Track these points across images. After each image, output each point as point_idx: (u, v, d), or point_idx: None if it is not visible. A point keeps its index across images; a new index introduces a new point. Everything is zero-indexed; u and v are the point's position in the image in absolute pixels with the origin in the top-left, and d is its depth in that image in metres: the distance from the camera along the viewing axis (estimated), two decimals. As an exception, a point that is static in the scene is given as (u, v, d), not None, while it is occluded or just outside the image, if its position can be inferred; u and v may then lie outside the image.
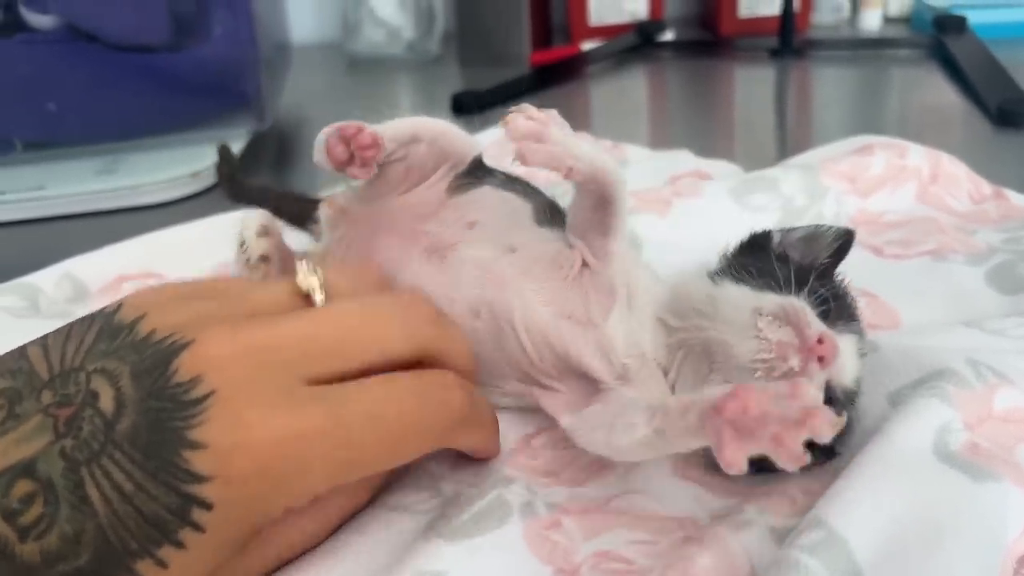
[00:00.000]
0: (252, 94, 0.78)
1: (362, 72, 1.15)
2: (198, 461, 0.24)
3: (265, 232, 0.41)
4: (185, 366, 0.25)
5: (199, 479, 0.24)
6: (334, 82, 1.14)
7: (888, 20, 1.17)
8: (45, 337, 0.27)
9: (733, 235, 0.43)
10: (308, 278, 0.30)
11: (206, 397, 0.25)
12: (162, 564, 0.24)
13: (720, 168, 0.60)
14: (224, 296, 0.29)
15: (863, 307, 0.41)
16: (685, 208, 0.50)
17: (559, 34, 1.19)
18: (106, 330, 0.27)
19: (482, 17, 1.09)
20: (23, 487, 0.23)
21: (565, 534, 0.31)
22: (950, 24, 1.01)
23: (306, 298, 0.30)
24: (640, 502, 0.32)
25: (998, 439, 0.31)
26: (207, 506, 0.24)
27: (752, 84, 1.02)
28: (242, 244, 0.41)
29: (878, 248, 0.48)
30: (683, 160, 0.62)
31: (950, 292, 0.43)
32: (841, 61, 1.04)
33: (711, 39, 1.16)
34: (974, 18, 1.01)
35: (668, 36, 1.13)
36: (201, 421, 0.24)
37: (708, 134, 0.85)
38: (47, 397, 0.25)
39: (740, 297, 0.33)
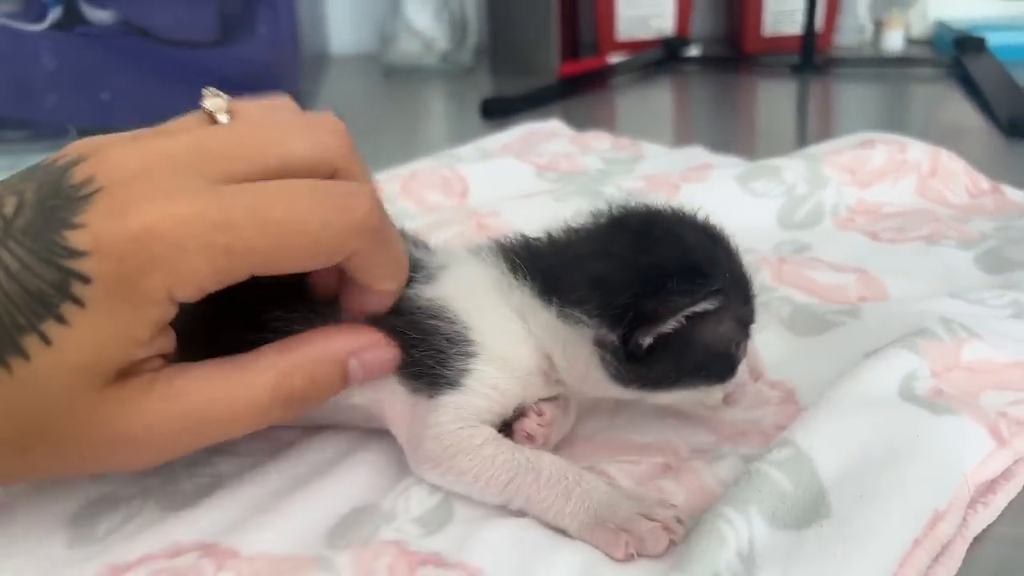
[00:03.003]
0: (288, 89, 0.82)
1: (397, 81, 1.20)
2: (76, 238, 0.26)
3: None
4: (81, 171, 0.27)
5: (77, 254, 0.26)
6: (370, 89, 1.19)
7: (911, 41, 1.19)
8: None
9: (736, 217, 0.46)
10: (213, 100, 0.31)
11: (93, 193, 0.27)
12: (45, 340, 0.26)
13: (731, 162, 0.63)
14: (146, 130, 0.30)
15: (853, 282, 0.44)
16: (692, 191, 0.53)
17: (588, 48, 1.23)
18: (35, 167, 0.29)
19: (513, 30, 1.13)
20: None
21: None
22: (969, 45, 1.03)
23: (213, 119, 0.30)
24: (623, 435, 0.35)
25: (963, 386, 0.34)
26: (85, 279, 0.26)
27: (773, 98, 1.05)
28: None
29: (875, 234, 0.51)
30: (696, 155, 0.65)
31: (939, 271, 0.46)
32: (862, 78, 1.07)
33: (734, 55, 1.19)
34: (993, 39, 1.03)
35: (693, 52, 1.16)
36: (84, 208, 0.26)
37: (729, 143, 0.88)
38: None
39: None
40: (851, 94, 1.04)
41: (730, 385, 0.33)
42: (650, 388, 0.32)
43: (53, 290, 0.26)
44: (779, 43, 1.14)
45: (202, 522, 0.31)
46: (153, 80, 0.79)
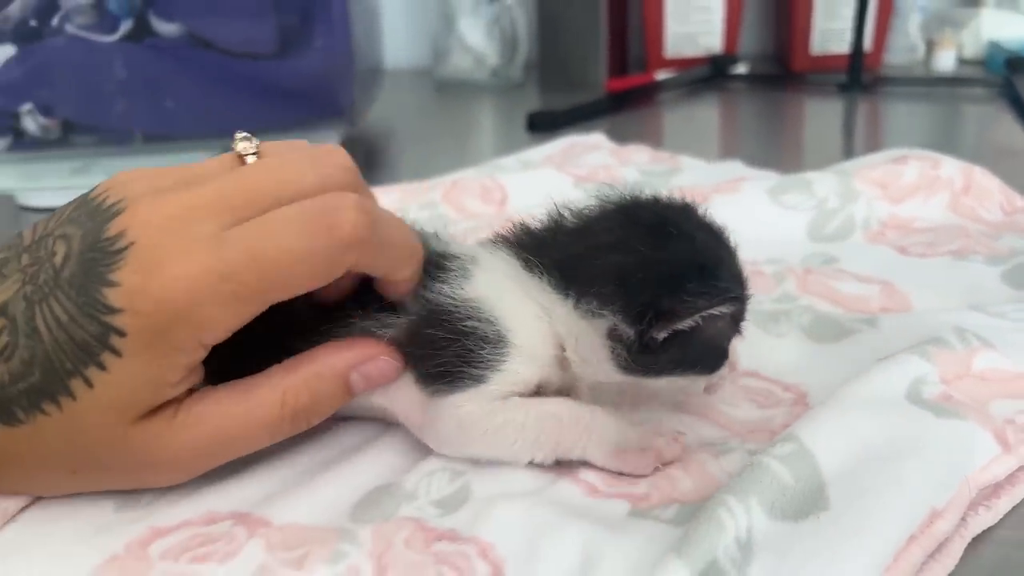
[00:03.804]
0: (344, 103, 0.86)
1: (449, 95, 1.23)
2: (113, 296, 0.30)
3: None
4: (116, 225, 0.31)
5: (114, 311, 0.30)
6: (423, 103, 1.22)
7: (963, 62, 1.18)
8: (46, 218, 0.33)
9: (767, 229, 0.47)
10: (241, 143, 0.34)
11: (126, 248, 0.30)
12: (88, 383, 0.30)
13: (766, 176, 0.64)
14: (181, 171, 0.33)
15: (877, 293, 0.45)
16: (723, 202, 0.54)
17: (637, 65, 1.24)
18: (81, 204, 0.33)
19: (563, 47, 1.15)
20: None
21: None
22: (1021, 66, 1.02)
23: (242, 161, 0.34)
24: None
25: (973, 393, 0.35)
26: (121, 333, 0.30)
27: (819, 116, 1.05)
28: None
29: (904, 248, 0.52)
30: (732, 169, 0.66)
31: (964, 285, 0.46)
32: (912, 98, 1.06)
33: (782, 73, 1.20)
34: (1048, 60, 1.02)
35: (740, 69, 1.17)
36: (119, 266, 0.30)
37: (775, 160, 0.88)
38: (25, 259, 0.32)
39: None
40: (900, 113, 1.04)
41: (715, 376, 0.35)
42: (650, 376, 0.34)
43: (95, 341, 0.30)
44: (827, 62, 1.14)
45: (237, 495, 0.34)
46: (214, 89, 0.82)
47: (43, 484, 0.33)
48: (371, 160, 0.94)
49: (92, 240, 0.31)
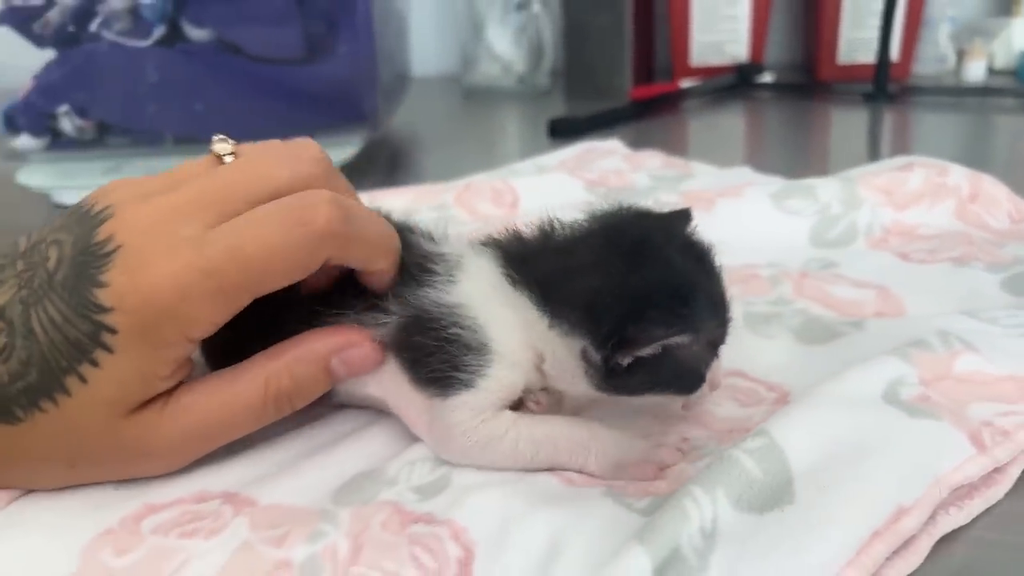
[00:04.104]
0: (367, 108, 0.87)
1: (476, 101, 1.25)
2: (103, 296, 0.31)
3: None
4: (105, 230, 0.32)
5: (104, 310, 0.31)
6: (450, 109, 1.24)
7: (994, 72, 1.17)
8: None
9: (768, 234, 0.47)
10: (219, 144, 0.35)
11: (114, 251, 0.32)
12: (83, 379, 0.32)
13: (772, 181, 0.64)
14: (163, 177, 0.35)
15: (872, 298, 0.45)
16: (727, 206, 0.55)
17: (663, 74, 1.25)
18: (73, 212, 0.34)
19: (588, 55, 1.16)
20: None
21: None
22: (1053, 75, 1.01)
23: (221, 161, 0.35)
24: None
25: (953, 395, 0.35)
26: (112, 331, 0.31)
27: (845, 126, 1.05)
28: None
29: (906, 254, 0.52)
30: (742, 175, 0.67)
31: (961, 292, 0.46)
32: (941, 108, 1.05)
33: (808, 82, 1.19)
34: (1080, 70, 1.00)
35: (766, 78, 1.17)
36: (108, 267, 0.32)
37: (800, 170, 0.88)
38: (20, 265, 0.33)
39: None
40: (929, 123, 1.03)
41: (693, 396, 0.35)
42: (624, 394, 0.35)
43: (87, 339, 0.32)
44: (854, 71, 1.14)
45: (230, 475, 0.35)
46: (242, 93, 0.85)
47: (42, 478, 0.34)
48: (395, 163, 0.96)
49: (83, 245, 0.33)
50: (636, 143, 0.84)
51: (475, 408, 0.34)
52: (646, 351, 0.32)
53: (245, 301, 0.33)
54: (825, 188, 0.56)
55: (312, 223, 0.33)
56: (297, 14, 0.85)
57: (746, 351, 0.42)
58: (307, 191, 0.34)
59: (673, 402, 0.36)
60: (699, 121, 1.09)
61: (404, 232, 0.39)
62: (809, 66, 1.22)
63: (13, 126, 0.85)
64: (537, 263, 0.35)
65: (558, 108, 1.18)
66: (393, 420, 0.38)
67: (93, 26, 0.83)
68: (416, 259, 0.37)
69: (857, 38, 1.14)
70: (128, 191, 0.34)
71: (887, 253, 0.52)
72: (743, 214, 0.55)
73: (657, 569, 0.27)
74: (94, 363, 0.32)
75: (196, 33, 0.84)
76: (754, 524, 0.29)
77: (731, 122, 1.10)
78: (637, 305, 0.32)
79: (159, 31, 0.83)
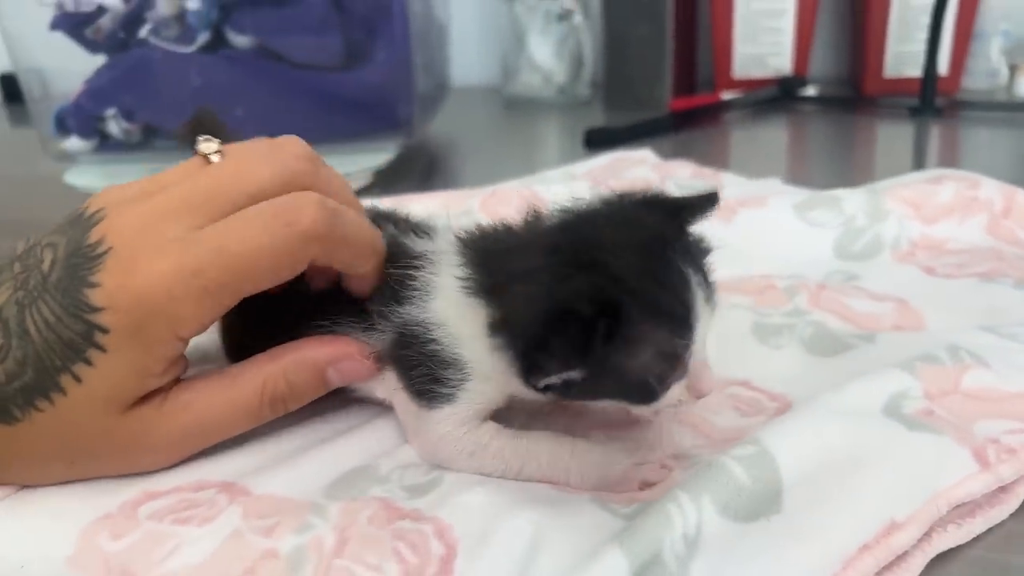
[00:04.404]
0: (402, 114, 0.89)
1: (517, 111, 1.26)
2: (95, 296, 0.32)
3: None
4: (96, 233, 0.33)
5: (96, 310, 0.32)
6: (490, 118, 1.25)
7: (1049, 87, 1.13)
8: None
9: (791, 245, 0.46)
10: (205, 144, 0.36)
11: (105, 253, 0.33)
12: (77, 378, 0.32)
13: (798, 192, 0.63)
14: (152, 180, 0.36)
15: (890, 311, 0.44)
16: (749, 216, 0.54)
17: (706, 86, 1.24)
18: (69, 216, 0.35)
19: (628, 66, 1.16)
20: None
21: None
22: (1110, 91, 0.97)
23: (207, 161, 0.35)
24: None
25: (959, 411, 0.34)
26: (104, 330, 0.32)
27: (890, 140, 1.02)
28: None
29: (931, 268, 0.50)
30: (770, 186, 0.66)
31: (985, 307, 0.45)
32: (991, 123, 1.02)
33: (853, 96, 1.17)
34: None
35: (810, 91, 1.15)
36: (99, 269, 0.32)
37: (843, 183, 0.87)
38: (17, 267, 0.34)
39: None
40: (978, 139, 1.00)
41: (657, 406, 0.33)
42: (576, 401, 0.34)
43: (80, 339, 0.32)
44: (901, 85, 1.11)
45: (230, 466, 0.36)
46: (282, 99, 0.87)
47: (42, 475, 0.35)
48: (432, 169, 0.97)
49: (75, 247, 0.33)
50: (675, 154, 0.84)
51: (459, 420, 0.35)
52: (551, 380, 0.31)
53: (231, 301, 0.34)
54: (850, 200, 0.55)
55: (297, 224, 0.33)
56: (337, 22, 0.86)
57: (753, 361, 0.41)
58: (295, 193, 0.34)
59: (636, 409, 0.33)
60: (740, 133, 1.08)
61: (390, 227, 0.39)
62: (855, 80, 1.20)
63: (64, 128, 0.88)
64: (489, 266, 0.34)
65: (597, 119, 1.17)
66: (391, 418, 0.39)
67: (142, 32, 0.86)
68: (398, 269, 0.36)
69: (904, 51, 1.12)
70: (119, 195, 0.35)
71: (912, 267, 0.51)
72: (765, 224, 0.54)
73: (636, 573, 0.27)
74: (88, 362, 0.33)
75: (239, 39, 0.86)
76: (739, 532, 0.29)
77: (773, 135, 1.08)
78: (547, 328, 0.30)
79: (204, 37, 0.85)
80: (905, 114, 1.05)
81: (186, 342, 0.34)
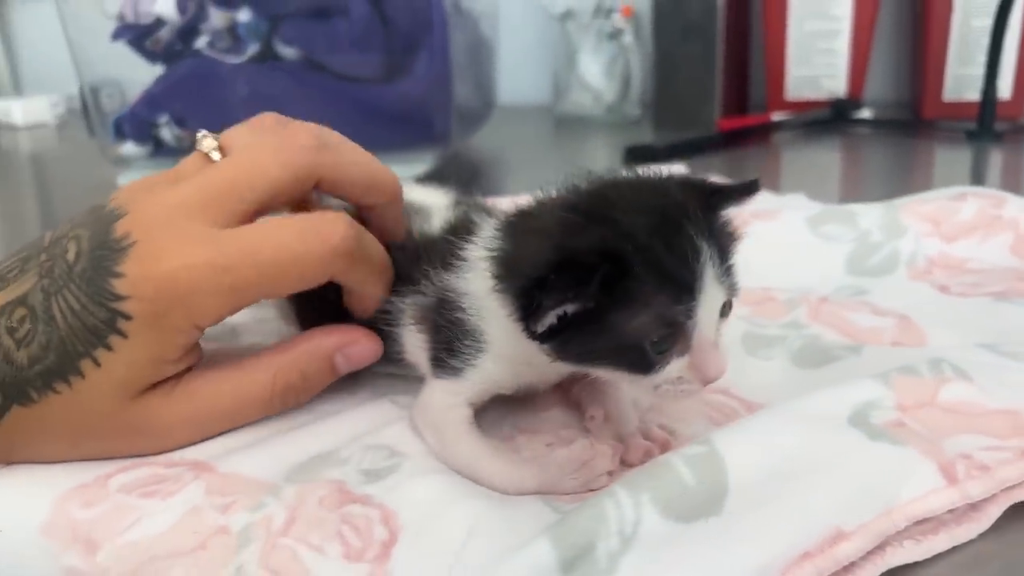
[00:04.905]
0: (439, 128, 0.90)
1: (565, 129, 1.26)
2: (119, 285, 0.34)
3: None
4: (121, 227, 0.35)
5: (120, 298, 0.34)
6: (539, 135, 1.26)
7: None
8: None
9: (801, 259, 0.46)
10: (204, 141, 0.37)
11: (130, 246, 0.34)
12: (97, 363, 0.34)
13: (814, 206, 0.61)
14: (166, 174, 0.37)
15: (891, 327, 0.43)
16: (759, 229, 0.53)
17: (758, 108, 1.22)
18: (91, 211, 0.37)
19: (677, 85, 1.16)
20: (20, 312, 0.34)
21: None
22: None
23: (208, 158, 0.37)
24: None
25: (934, 424, 0.32)
26: (127, 317, 0.34)
27: (947, 165, 0.99)
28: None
29: (945, 287, 0.48)
30: (797, 201, 0.64)
31: (993, 327, 0.43)
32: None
33: (910, 119, 1.14)
34: None
35: (864, 114, 1.13)
36: (124, 260, 0.34)
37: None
38: (43, 257, 0.36)
39: None
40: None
41: (656, 379, 0.32)
42: (573, 364, 0.33)
43: (103, 325, 0.34)
44: (961, 109, 1.08)
45: (209, 447, 0.37)
46: (325, 109, 0.89)
47: (47, 454, 0.36)
48: (472, 181, 0.98)
49: (100, 240, 0.35)
50: (723, 174, 0.83)
51: (452, 394, 0.36)
52: (548, 318, 0.31)
53: (251, 301, 0.36)
54: (866, 215, 0.53)
55: (329, 238, 0.35)
56: (382, 36, 0.89)
57: (737, 370, 0.40)
58: (325, 212, 0.36)
59: (639, 384, 0.33)
60: (791, 155, 1.06)
61: (462, 207, 0.41)
62: (914, 103, 1.16)
63: (121, 134, 0.93)
64: (509, 234, 0.34)
65: (646, 137, 1.17)
66: (372, 405, 0.39)
67: (198, 43, 0.90)
68: (456, 239, 0.37)
69: (965, 74, 1.08)
70: (136, 189, 0.37)
71: (926, 285, 0.49)
72: (776, 237, 0.53)
73: (564, 565, 0.27)
74: (108, 347, 0.34)
75: (286, 51, 0.89)
76: (678, 532, 0.28)
77: (825, 157, 1.06)
78: (548, 269, 0.30)
79: (253, 48, 0.89)
80: (962, 138, 1.01)
81: (202, 331, 0.36)
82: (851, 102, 1.13)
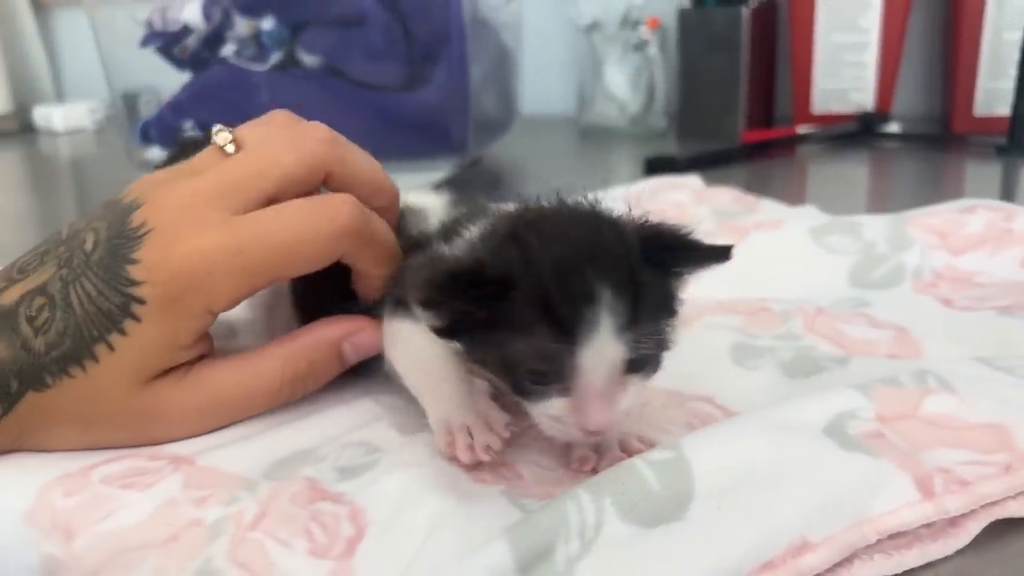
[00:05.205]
0: (456, 137, 0.91)
1: (590, 140, 1.26)
2: (134, 271, 0.34)
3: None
4: (138, 217, 0.36)
5: (135, 283, 0.34)
6: (563, 145, 1.26)
7: None
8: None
9: (803, 270, 0.45)
10: (219, 135, 0.38)
11: (146, 233, 0.35)
12: (111, 347, 0.35)
13: (819, 217, 0.61)
14: (181, 167, 0.39)
15: (887, 339, 0.42)
16: (762, 239, 0.52)
17: (784, 121, 1.21)
18: (108, 204, 0.38)
19: (702, 97, 1.15)
20: (39, 301, 0.35)
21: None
22: None
23: (223, 151, 0.38)
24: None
25: (914, 436, 0.31)
26: (141, 302, 0.34)
27: (976, 180, 0.97)
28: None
29: (949, 300, 0.47)
30: (806, 214, 0.64)
31: (992, 341, 0.42)
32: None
33: (940, 133, 1.12)
34: None
35: (892, 128, 1.11)
36: (140, 247, 0.35)
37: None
38: (62, 249, 0.37)
39: None
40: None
41: (535, 408, 0.32)
42: (481, 367, 0.34)
43: (118, 310, 0.35)
44: (992, 124, 1.05)
45: (195, 441, 0.37)
46: (346, 115, 0.90)
47: (56, 440, 0.36)
48: (494, 189, 0.98)
49: (117, 230, 0.36)
50: (748, 186, 0.81)
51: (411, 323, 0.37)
52: (437, 316, 0.32)
53: (265, 283, 0.36)
54: (871, 226, 0.52)
55: (337, 219, 0.36)
56: (403, 45, 0.90)
57: (723, 380, 0.40)
58: (333, 194, 0.37)
59: (524, 406, 0.33)
60: (817, 168, 1.05)
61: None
62: (944, 117, 1.14)
63: (147, 139, 0.95)
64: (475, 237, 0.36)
65: (670, 149, 1.16)
66: (356, 404, 0.40)
67: (224, 51, 0.92)
68: (461, 219, 0.38)
69: (997, 88, 1.06)
70: (152, 181, 0.38)
71: (930, 298, 0.48)
72: (777, 247, 0.52)
73: (521, 566, 0.27)
74: (122, 331, 0.35)
75: (308, 59, 0.90)
76: (639, 537, 0.28)
77: (852, 171, 1.04)
78: (448, 275, 0.31)
79: (276, 56, 0.90)
80: (992, 153, 0.99)
81: (215, 317, 0.36)
82: (879, 116, 1.11)
